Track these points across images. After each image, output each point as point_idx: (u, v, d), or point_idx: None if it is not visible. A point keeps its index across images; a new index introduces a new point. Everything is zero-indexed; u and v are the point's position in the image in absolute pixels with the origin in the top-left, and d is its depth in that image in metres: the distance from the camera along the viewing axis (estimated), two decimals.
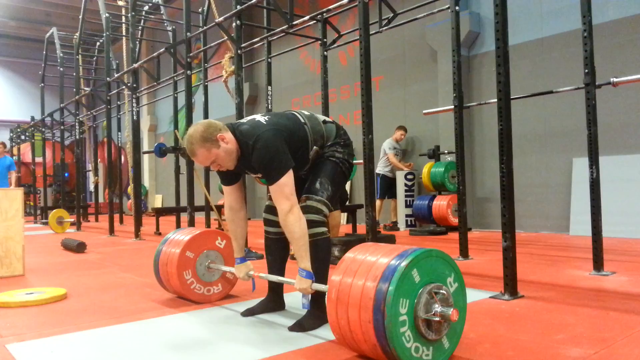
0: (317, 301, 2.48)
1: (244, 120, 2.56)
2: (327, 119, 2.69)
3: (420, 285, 1.82)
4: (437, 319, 1.80)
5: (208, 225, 8.68)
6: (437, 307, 1.81)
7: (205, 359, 2.09)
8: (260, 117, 2.51)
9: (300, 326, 2.41)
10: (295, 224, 2.30)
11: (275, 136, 2.37)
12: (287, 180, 2.34)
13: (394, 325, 1.73)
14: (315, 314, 2.47)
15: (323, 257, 2.49)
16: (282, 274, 2.75)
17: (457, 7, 4.62)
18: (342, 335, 1.93)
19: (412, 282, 1.80)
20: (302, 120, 2.56)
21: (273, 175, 2.34)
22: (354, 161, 2.77)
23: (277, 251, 2.73)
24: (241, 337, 2.36)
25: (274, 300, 2.78)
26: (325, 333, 2.35)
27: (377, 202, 7.29)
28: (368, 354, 1.89)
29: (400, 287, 1.75)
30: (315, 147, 2.54)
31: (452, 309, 1.80)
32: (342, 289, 1.90)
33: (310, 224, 2.44)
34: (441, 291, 1.85)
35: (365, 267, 1.89)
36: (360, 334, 1.82)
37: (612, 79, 3.86)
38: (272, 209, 2.66)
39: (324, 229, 2.49)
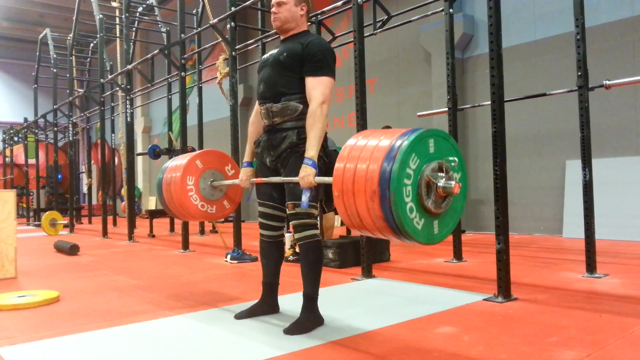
0: (309, 304, 2.49)
1: None
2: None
3: (433, 158, 1.91)
4: (441, 185, 1.88)
5: (202, 229, 8.66)
6: (443, 178, 1.90)
7: None
8: None
9: (295, 328, 2.40)
10: (321, 116, 2.39)
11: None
12: (331, 86, 2.46)
13: (401, 169, 1.79)
14: (309, 316, 2.47)
15: (315, 259, 2.49)
16: (277, 277, 2.75)
17: (451, 10, 4.63)
18: (343, 191, 1.97)
19: (427, 148, 1.89)
20: None
21: (323, 69, 2.45)
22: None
23: (272, 254, 2.73)
24: (235, 340, 2.35)
25: (268, 303, 2.77)
26: (320, 335, 2.34)
27: None
28: (365, 213, 1.90)
29: (415, 143, 1.84)
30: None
31: (454, 182, 1.90)
32: (357, 146, 1.97)
33: (303, 227, 2.46)
34: (451, 164, 1.95)
35: (384, 134, 1.97)
36: (363, 182, 1.87)
37: (604, 82, 3.88)
38: (266, 215, 2.66)
39: (316, 232, 2.49)
